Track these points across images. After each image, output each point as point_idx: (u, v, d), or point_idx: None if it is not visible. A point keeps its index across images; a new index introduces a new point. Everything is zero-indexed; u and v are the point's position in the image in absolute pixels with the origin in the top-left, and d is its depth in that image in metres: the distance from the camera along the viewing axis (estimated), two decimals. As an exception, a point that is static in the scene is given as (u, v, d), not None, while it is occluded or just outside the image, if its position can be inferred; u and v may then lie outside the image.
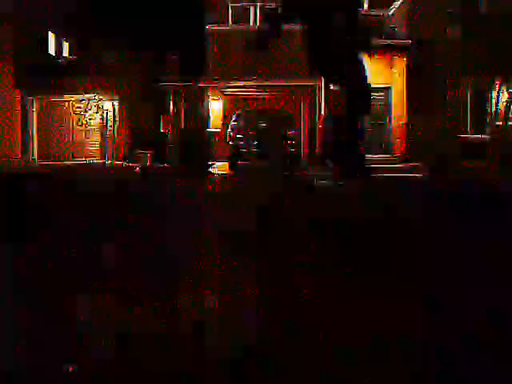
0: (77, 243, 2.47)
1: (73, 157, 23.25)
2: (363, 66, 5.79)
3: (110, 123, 23.92)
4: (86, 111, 24.09)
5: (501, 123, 18.69)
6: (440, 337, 1.37)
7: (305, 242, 2.52)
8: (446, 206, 3.76)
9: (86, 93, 23.56)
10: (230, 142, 19.39)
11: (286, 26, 5.86)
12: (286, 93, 22.19)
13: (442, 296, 1.69)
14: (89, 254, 2.25)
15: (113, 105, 23.99)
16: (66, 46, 25.85)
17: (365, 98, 5.72)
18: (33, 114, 24.08)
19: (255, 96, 22.55)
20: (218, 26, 22.56)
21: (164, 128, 23.66)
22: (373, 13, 20.62)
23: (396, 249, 2.35)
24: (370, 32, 13.54)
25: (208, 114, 22.75)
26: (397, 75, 21.18)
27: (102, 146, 23.92)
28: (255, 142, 18.95)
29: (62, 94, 23.39)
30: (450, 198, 4.37)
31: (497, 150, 16.80)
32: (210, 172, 14.59)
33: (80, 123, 24.18)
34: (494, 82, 19.29)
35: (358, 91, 5.65)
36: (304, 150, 21.53)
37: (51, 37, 24.93)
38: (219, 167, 17.79)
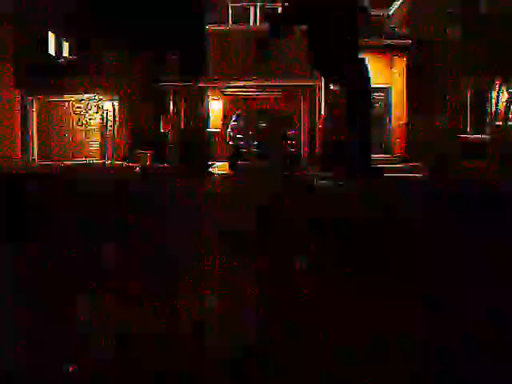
0: (77, 243, 2.47)
1: (73, 157, 23.23)
2: (366, 67, 5.79)
3: (110, 123, 23.90)
4: (86, 111, 24.07)
5: (501, 123, 18.68)
6: (440, 337, 1.37)
7: (305, 241, 2.52)
8: (446, 206, 3.76)
9: (85, 93, 23.54)
10: (230, 142, 19.39)
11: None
12: (286, 93, 22.19)
13: (441, 296, 1.68)
14: (89, 253, 2.24)
15: (113, 105, 23.97)
16: (65, 46, 25.83)
17: (365, 97, 5.73)
18: (33, 114, 24.06)
19: (255, 96, 22.55)
20: (218, 25, 22.57)
21: (164, 128, 23.64)
22: (373, 13, 20.61)
23: (396, 249, 2.34)
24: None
25: (208, 114, 22.75)
26: (397, 75, 21.17)
27: (102, 146, 23.90)
28: (255, 142, 18.95)
29: (61, 93, 23.37)
30: (450, 197, 4.37)
31: (497, 150, 16.78)
32: (210, 172, 14.58)
33: (80, 123, 24.15)
34: (493, 82, 19.29)
35: (358, 91, 5.65)
36: (304, 150, 21.53)
37: (51, 37, 24.91)
38: (219, 167, 17.78)
